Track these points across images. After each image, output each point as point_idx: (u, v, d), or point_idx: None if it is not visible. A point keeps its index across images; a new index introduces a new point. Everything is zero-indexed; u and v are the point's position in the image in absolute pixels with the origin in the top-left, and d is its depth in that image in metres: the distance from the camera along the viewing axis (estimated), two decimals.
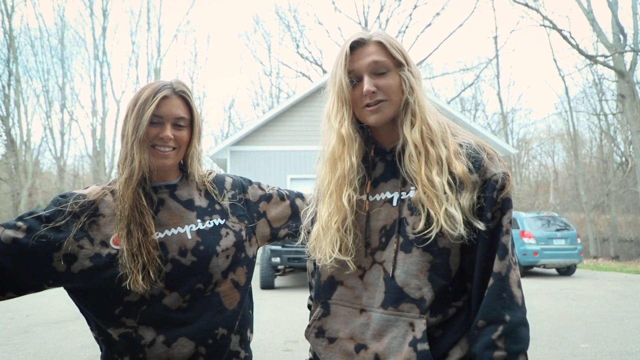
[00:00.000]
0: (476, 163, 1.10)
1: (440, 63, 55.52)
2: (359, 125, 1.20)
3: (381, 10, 25.15)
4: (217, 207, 1.38)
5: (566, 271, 12.05)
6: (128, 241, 1.20)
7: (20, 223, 1.20)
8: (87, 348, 4.90)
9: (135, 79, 27.54)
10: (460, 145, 1.13)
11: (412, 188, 1.11)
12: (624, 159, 22.36)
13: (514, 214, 11.91)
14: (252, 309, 1.44)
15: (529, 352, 1.04)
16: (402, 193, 1.13)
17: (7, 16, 20.69)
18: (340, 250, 1.13)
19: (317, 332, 1.19)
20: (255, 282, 9.52)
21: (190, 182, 1.38)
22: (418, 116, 1.13)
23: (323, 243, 1.16)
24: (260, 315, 6.59)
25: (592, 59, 17.46)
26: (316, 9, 57.72)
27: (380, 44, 1.14)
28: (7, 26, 20.51)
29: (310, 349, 1.29)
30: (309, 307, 1.34)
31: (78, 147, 42.00)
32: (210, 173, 1.46)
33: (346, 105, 1.15)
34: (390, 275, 1.09)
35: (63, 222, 1.21)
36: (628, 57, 16.59)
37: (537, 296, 8.29)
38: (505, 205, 1.08)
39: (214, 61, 48.21)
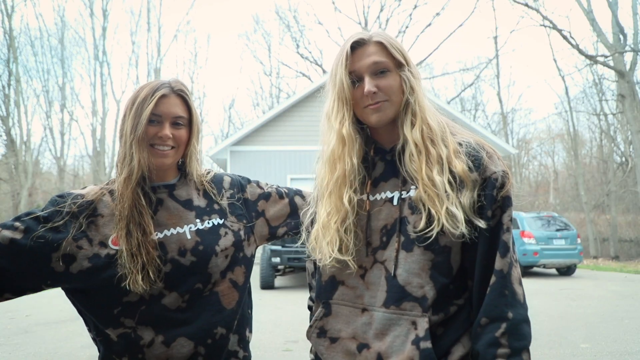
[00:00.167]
0: (476, 161, 1.10)
1: (440, 63, 55.59)
2: (359, 126, 1.20)
3: (381, 10, 25.17)
4: (216, 206, 1.38)
5: (566, 271, 12.05)
6: (127, 241, 1.20)
7: (17, 223, 1.19)
8: (87, 348, 4.90)
9: (135, 79, 27.58)
10: (460, 144, 1.14)
11: (413, 187, 1.11)
12: (624, 159, 22.36)
13: (514, 214, 11.91)
14: (251, 308, 1.43)
15: None
16: (403, 192, 1.13)
17: (7, 16, 20.70)
18: (340, 250, 1.14)
19: (319, 332, 1.19)
20: (255, 282, 9.52)
21: (188, 181, 1.38)
22: (418, 116, 1.13)
23: (323, 243, 1.16)
24: (260, 315, 6.59)
25: (592, 59, 17.46)
26: (316, 9, 57.79)
27: (380, 44, 1.14)
28: (7, 26, 20.53)
29: (311, 350, 1.29)
30: (309, 307, 1.34)
31: (78, 147, 42.08)
32: (209, 172, 1.45)
33: (347, 105, 1.15)
34: (392, 274, 1.09)
35: (61, 222, 1.21)
36: (628, 57, 16.60)
37: (537, 296, 8.29)
38: (506, 203, 1.09)
39: (214, 61, 48.28)
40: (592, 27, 16.86)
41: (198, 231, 1.30)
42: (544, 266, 11.91)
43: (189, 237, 1.29)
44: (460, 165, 1.08)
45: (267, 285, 9.33)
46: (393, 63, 1.14)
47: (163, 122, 1.27)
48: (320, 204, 1.20)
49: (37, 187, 23.23)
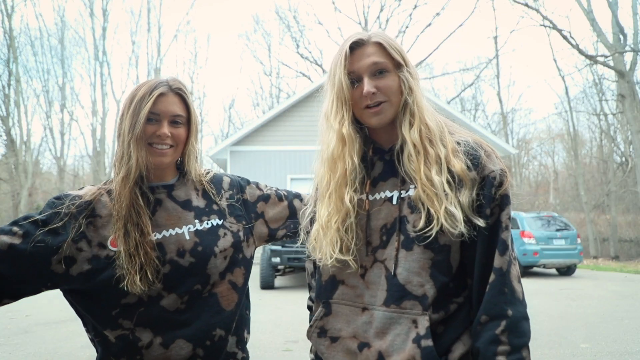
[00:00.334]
0: (474, 160, 1.11)
1: (440, 63, 55.63)
2: (358, 126, 1.20)
3: (381, 10, 25.17)
4: (215, 207, 1.37)
5: (566, 271, 12.05)
6: (125, 241, 1.19)
7: (15, 228, 1.17)
8: (87, 348, 4.90)
9: (135, 79, 27.57)
10: (458, 144, 1.14)
11: (412, 186, 1.12)
12: (624, 159, 22.36)
13: (514, 214, 11.91)
14: (249, 309, 1.43)
15: None
16: (402, 191, 1.13)
17: (7, 16, 20.71)
18: (341, 250, 1.14)
19: (319, 332, 1.19)
20: (255, 282, 9.52)
21: (187, 181, 1.37)
22: (417, 116, 1.13)
23: (323, 243, 1.16)
24: (260, 315, 6.59)
25: (592, 59, 17.46)
26: (316, 9, 57.79)
27: (379, 44, 1.14)
28: (7, 26, 20.53)
29: (311, 350, 1.29)
30: (309, 307, 1.34)
31: (78, 147, 42.10)
32: (208, 173, 1.44)
33: (346, 105, 1.15)
34: (392, 273, 1.10)
35: (60, 224, 1.19)
36: (628, 57, 16.60)
37: (537, 296, 8.29)
38: (504, 201, 1.09)
39: (214, 61, 48.30)
40: (592, 27, 16.86)
41: (197, 232, 1.30)
42: (544, 266, 11.91)
43: (187, 237, 1.28)
44: (459, 165, 1.09)
45: (267, 285, 9.33)
46: (392, 63, 1.14)
47: (161, 121, 1.26)
48: (320, 204, 1.20)
49: (37, 187, 23.24)
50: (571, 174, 25.02)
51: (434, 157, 1.10)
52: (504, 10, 48.49)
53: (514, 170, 27.99)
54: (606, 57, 16.79)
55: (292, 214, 1.52)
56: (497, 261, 1.06)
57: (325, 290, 1.21)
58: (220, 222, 1.35)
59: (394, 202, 1.14)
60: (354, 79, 1.15)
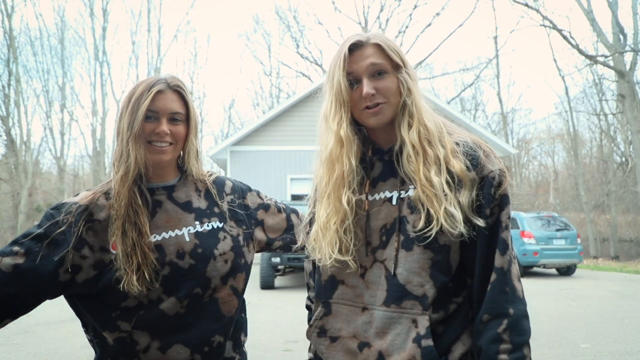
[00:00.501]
0: (473, 161, 1.11)
1: (440, 63, 55.61)
2: (357, 127, 1.21)
3: (381, 10, 25.15)
4: (216, 209, 1.36)
5: (566, 271, 12.05)
6: (123, 241, 1.18)
7: (16, 248, 1.15)
8: (87, 348, 4.90)
9: (136, 79, 27.51)
10: (457, 144, 1.15)
11: (411, 187, 1.12)
12: (624, 159, 22.35)
13: (514, 214, 11.91)
14: (244, 312, 1.42)
15: None
16: (402, 192, 1.14)
17: (7, 16, 20.70)
18: (340, 250, 1.14)
19: (319, 331, 1.19)
20: (255, 282, 9.52)
21: (188, 182, 1.36)
22: (415, 117, 1.14)
23: (322, 244, 1.16)
24: (260, 315, 6.58)
25: (592, 59, 17.46)
26: (316, 9, 57.77)
27: (378, 46, 1.15)
28: (7, 26, 20.52)
29: (309, 349, 1.29)
30: (308, 307, 1.34)
31: (78, 147, 42.12)
32: (211, 174, 1.43)
33: (344, 106, 1.16)
34: (392, 273, 1.10)
35: (60, 235, 1.18)
36: (628, 57, 16.59)
37: (537, 296, 8.29)
38: (503, 201, 1.10)
39: (214, 61, 48.27)
40: (592, 27, 16.86)
41: (197, 234, 1.28)
42: (544, 266, 11.92)
43: (187, 239, 1.27)
44: (458, 165, 1.10)
45: (267, 285, 9.33)
46: (390, 65, 1.15)
47: (160, 118, 1.24)
48: (319, 205, 1.21)
49: (37, 187, 23.23)
50: (571, 174, 25.01)
51: (432, 158, 1.11)
52: (504, 10, 48.56)
53: (514, 170, 27.99)
54: (606, 57, 16.79)
55: (289, 227, 1.52)
56: (498, 261, 1.07)
57: (325, 290, 1.21)
58: (220, 225, 1.34)
59: (394, 202, 1.14)
60: (353, 80, 1.15)
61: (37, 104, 25.57)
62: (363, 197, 1.18)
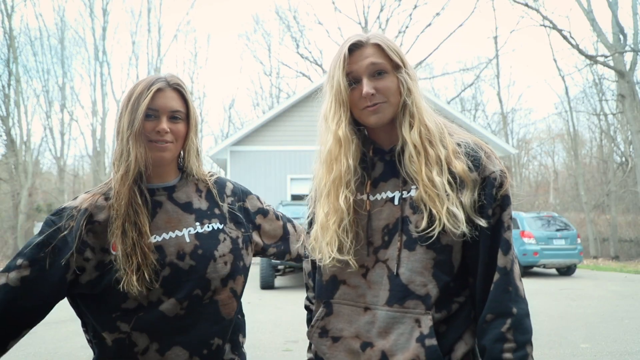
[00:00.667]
0: (475, 161, 1.12)
1: (440, 63, 55.60)
2: (356, 127, 1.21)
3: (381, 10, 25.15)
4: (217, 210, 1.36)
5: (566, 271, 12.05)
6: (122, 241, 1.17)
7: (20, 260, 1.16)
8: (87, 348, 4.88)
9: (136, 79, 27.44)
10: (459, 145, 1.15)
11: (413, 187, 1.13)
12: (624, 159, 22.35)
13: (514, 214, 11.91)
14: (241, 314, 1.41)
15: None
16: (404, 192, 1.14)
17: (7, 16, 20.69)
18: (339, 250, 1.14)
19: (320, 332, 1.19)
20: (255, 282, 9.51)
21: (189, 182, 1.36)
22: (416, 117, 1.14)
23: (322, 244, 1.16)
24: (260, 315, 6.59)
25: (592, 59, 17.46)
26: (316, 9, 57.77)
27: (378, 46, 1.15)
28: (7, 26, 20.51)
29: (309, 349, 1.29)
30: (307, 308, 1.34)
31: (78, 147, 42.15)
32: (212, 175, 1.43)
33: (344, 106, 1.16)
34: (395, 273, 1.11)
35: (63, 240, 1.18)
36: (628, 57, 16.59)
37: (537, 296, 8.29)
38: (505, 201, 1.11)
39: (214, 61, 48.26)
40: (592, 27, 16.86)
41: (197, 235, 1.28)
42: (544, 266, 11.91)
43: (188, 240, 1.26)
44: (460, 166, 1.10)
45: (267, 285, 9.32)
46: (390, 65, 1.15)
47: (160, 117, 1.24)
48: (319, 205, 1.21)
49: (37, 187, 23.22)
50: (571, 174, 25.01)
51: (434, 158, 1.11)
52: (504, 10, 48.55)
53: (514, 170, 27.99)
54: (606, 57, 16.79)
55: (285, 236, 1.52)
56: (501, 260, 1.08)
57: (326, 291, 1.21)
58: (221, 227, 1.33)
59: (396, 202, 1.14)
60: (353, 81, 1.15)
61: (37, 104, 25.58)
62: (364, 197, 1.18)
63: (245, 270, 1.36)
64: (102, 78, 25.92)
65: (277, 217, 1.53)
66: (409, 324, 1.08)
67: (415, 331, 1.07)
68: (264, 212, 1.49)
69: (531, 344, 1.06)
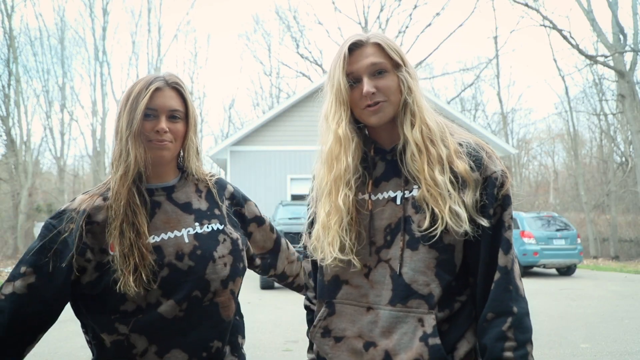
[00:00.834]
0: (477, 161, 1.13)
1: (440, 63, 55.66)
2: (357, 126, 1.21)
3: (381, 10, 25.15)
4: (217, 211, 1.35)
5: (566, 271, 12.05)
6: (120, 242, 1.16)
7: (24, 268, 1.16)
8: (87, 348, 4.88)
9: (136, 79, 27.43)
10: (460, 145, 1.16)
11: (415, 187, 1.13)
12: (624, 159, 22.35)
13: (514, 214, 11.90)
14: (239, 314, 1.40)
15: None
16: (406, 192, 1.15)
17: (7, 16, 20.67)
18: (341, 249, 1.14)
19: (322, 332, 1.19)
20: (256, 282, 9.52)
21: (189, 182, 1.35)
22: (417, 116, 1.14)
23: (324, 243, 1.16)
24: (260, 315, 6.59)
25: (592, 59, 17.46)
26: (316, 9, 57.76)
27: (378, 45, 1.15)
28: (7, 26, 20.50)
29: (310, 350, 1.29)
30: (306, 308, 1.34)
31: (78, 147, 42.15)
32: (212, 175, 1.42)
33: (344, 105, 1.17)
34: (398, 273, 1.11)
35: (64, 243, 1.18)
36: (628, 57, 16.59)
37: (537, 296, 8.29)
38: (506, 201, 1.12)
39: (214, 61, 48.23)
40: (592, 27, 16.86)
41: (196, 235, 1.27)
42: (544, 266, 11.91)
43: (187, 241, 1.25)
44: (462, 166, 1.11)
45: (267, 285, 9.33)
46: (391, 64, 1.15)
47: (159, 116, 1.23)
48: (320, 204, 1.21)
49: (37, 187, 23.21)
50: (571, 174, 25.00)
51: (436, 157, 1.12)
52: (504, 10, 48.59)
53: (514, 170, 27.98)
54: (606, 57, 16.79)
55: (275, 249, 1.51)
56: (502, 260, 1.09)
57: (328, 291, 1.21)
58: (221, 227, 1.32)
59: (398, 202, 1.15)
60: (353, 80, 1.16)
61: (37, 104, 25.54)
62: (366, 196, 1.18)
63: (244, 272, 1.35)
64: (102, 78, 25.93)
65: (272, 230, 1.52)
66: (412, 323, 1.08)
67: (419, 330, 1.07)
68: (259, 221, 1.48)
69: (531, 343, 1.07)
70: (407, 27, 24.69)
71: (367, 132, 1.24)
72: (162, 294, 1.19)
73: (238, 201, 1.44)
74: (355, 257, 1.14)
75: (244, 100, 61.77)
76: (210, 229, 1.30)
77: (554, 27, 16.70)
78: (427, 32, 34.45)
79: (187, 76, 29.96)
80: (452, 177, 1.10)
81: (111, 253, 1.19)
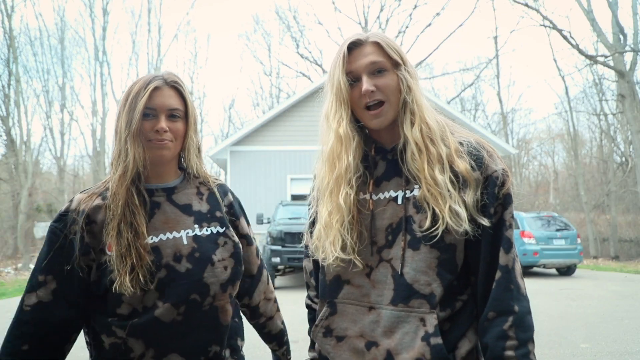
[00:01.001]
0: (477, 160, 1.13)
1: (440, 63, 55.61)
2: (357, 125, 1.21)
3: (381, 10, 25.15)
4: (218, 214, 1.33)
5: (566, 271, 12.05)
6: (117, 242, 1.16)
7: (41, 276, 1.19)
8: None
9: (136, 79, 27.42)
10: (461, 144, 1.16)
11: (416, 186, 1.13)
12: (624, 159, 22.34)
13: (514, 214, 11.89)
14: (238, 317, 1.39)
15: None
16: (407, 191, 1.15)
17: (7, 16, 20.66)
18: (342, 249, 1.14)
19: (324, 331, 1.20)
20: None
21: (191, 184, 1.33)
22: (417, 115, 1.15)
23: (326, 243, 1.16)
24: None
25: (592, 59, 17.46)
26: (316, 9, 57.78)
27: (377, 44, 1.16)
28: (7, 26, 20.49)
29: (311, 349, 1.29)
30: (308, 306, 1.34)
31: (78, 147, 42.12)
32: (216, 179, 1.41)
33: (344, 105, 1.17)
34: (399, 273, 1.11)
35: (70, 245, 1.19)
36: (628, 57, 16.58)
37: (537, 296, 8.28)
38: (507, 200, 1.12)
39: (214, 61, 48.25)
40: (592, 27, 16.85)
41: (195, 237, 1.26)
42: (544, 266, 11.92)
43: (185, 242, 1.24)
44: (463, 165, 1.11)
45: None
46: (390, 63, 1.15)
47: (158, 116, 1.22)
48: (322, 204, 1.21)
49: (37, 187, 23.19)
50: (571, 174, 25.00)
51: (436, 156, 1.12)
52: (504, 10, 48.56)
53: (514, 170, 27.96)
54: (606, 57, 16.78)
55: (257, 276, 1.46)
56: (503, 259, 1.09)
57: (330, 290, 1.21)
58: (221, 230, 1.31)
59: (399, 202, 1.15)
60: (353, 79, 1.16)
61: (37, 104, 25.51)
62: (367, 196, 1.18)
63: (241, 275, 1.34)
64: (102, 78, 25.93)
65: (257, 255, 1.47)
66: (413, 323, 1.09)
67: (420, 330, 1.08)
68: (249, 240, 1.44)
69: (533, 342, 1.07)
70: (407, 27, 24.72)
71: (367, 132, 1.24)
72: (158, 297, 1.18)
73: (235, 212, 1.42)
74: (357, 257, 1.14)
75: (244, 100, 61.89)
76: (209, 232, 1.28)
77: (554, 27, 16.69)
78: (427, 32, 34.49)
79: (187, 76, 29.97)
80: (452, 177, 1.10)
81: (108, 253, 1.18)
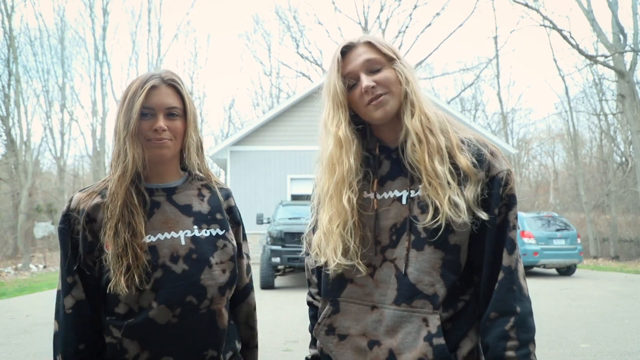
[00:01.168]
0: (479, 158, 1.13)
1: (440, 63, 55.64)
2: (356, 127, 1.21)
3: (381, 10, 25.15)
4: (219, 216, 1.32)
5: (566, 271, 12.04)
6: (114, 242, 1.15)
7: (70, 278, 1.21)
8: None
9: (134, 78, 27.38)
10: (462, 141, 1.16)
11: (420, 186, 1.13)
12: (624, 159, 22.34)
13: None
14: (234, 319, 1.37)
15: None
16: (411, 191, 1.15)
17: (7, 16, 20.65)
18: (344, 254, 1.14)
19: (327, 329, 1.20)
20: (255, 282, 9.50)
21: (193, 185, 1.32)
22: (416, 106, 1.15)
23: (327, 250, 1.16)
24: (260, 315, 6.54)
25: (592, 59, 17.45)
26: (316, 9, 57.75)
27: (369, 43, 1.17)
28: (7, 26, 20.48)
29: (312, 346, 1.29)
30: (309, 303, 1.34)
31: (78, 147, 42.15)
32: (218, 183, 1.40)
33: (342, 108, 1.17)
34: (403, 273, 1.11)
35: (77, 243, 1.21)
36: (628, 57, 16.58)
37: (537, 296, 8.29)
38: (511, 201, 1.13)
39: (214, 61, 48.20)
40: (592, 27, 16.85)
41: (194, 238, 1.24)
42: (544, 266, 11.91)
43: (183, 243, 1.22)
44: (464, 161, 1.11)
45: (267, 285, 9.32)
46: (385, 58, 1.17)
47: (156, 115, 1.21)
48: (322, 210, 1.20)
49: (37, 187, 23.18)
50: (571, 174, 24.99)
51: (435, 146, 1.12)
52: (504, 10, 48.57)
53: (514, 170, 27.95)
54: (606, 57, 16.78)
55: (244, 292, 1.42)
56: (506, 260, 1.10)
57: (332, 289, 1.21)
58: (221, 233, 1.29)
59: (404, 201, 1.15)
60: (351, 81, 1.16)
61: (37, 104, 25.51)
62: (371, 195, 1.18)
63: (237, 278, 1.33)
64: (102, 78, 25.90)
65: (248, 271, 1.44)
66: (416, 323, 1.09)
67: (423, 330, 1.08)
68: (239, 253, 1.39)
69: (534, 343, 1.07)
70: (407, 27, 24.70)
71: (371, 131, 1.24)
72: (154, 298, 1.17)
73: (234, 218, 1.40)
74: (360, 262, 1.14)
75: (244, 100, 61.87)
76: (208, 234, 1.27)
77: (554, 27, 16.69)
78: (427, 32, 34.42)
79: (187, 76, 29.97)
80: (451, 168, 1.11)
81: (106, 251, 1.18)
